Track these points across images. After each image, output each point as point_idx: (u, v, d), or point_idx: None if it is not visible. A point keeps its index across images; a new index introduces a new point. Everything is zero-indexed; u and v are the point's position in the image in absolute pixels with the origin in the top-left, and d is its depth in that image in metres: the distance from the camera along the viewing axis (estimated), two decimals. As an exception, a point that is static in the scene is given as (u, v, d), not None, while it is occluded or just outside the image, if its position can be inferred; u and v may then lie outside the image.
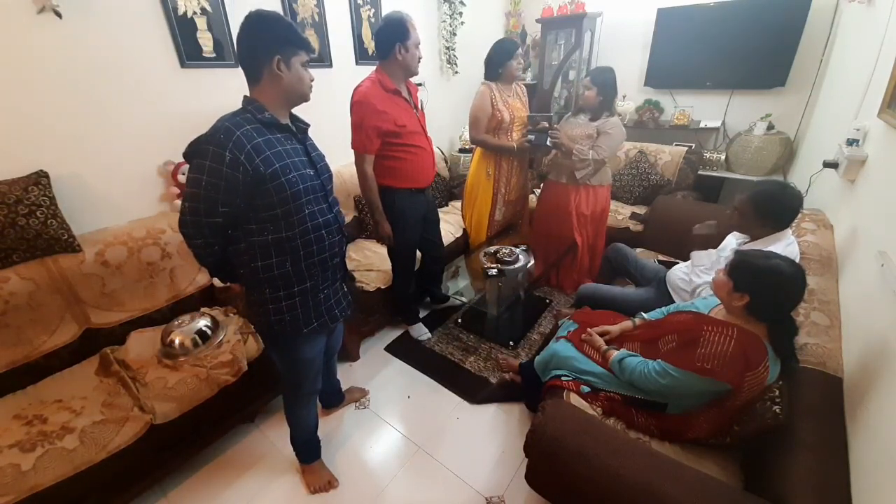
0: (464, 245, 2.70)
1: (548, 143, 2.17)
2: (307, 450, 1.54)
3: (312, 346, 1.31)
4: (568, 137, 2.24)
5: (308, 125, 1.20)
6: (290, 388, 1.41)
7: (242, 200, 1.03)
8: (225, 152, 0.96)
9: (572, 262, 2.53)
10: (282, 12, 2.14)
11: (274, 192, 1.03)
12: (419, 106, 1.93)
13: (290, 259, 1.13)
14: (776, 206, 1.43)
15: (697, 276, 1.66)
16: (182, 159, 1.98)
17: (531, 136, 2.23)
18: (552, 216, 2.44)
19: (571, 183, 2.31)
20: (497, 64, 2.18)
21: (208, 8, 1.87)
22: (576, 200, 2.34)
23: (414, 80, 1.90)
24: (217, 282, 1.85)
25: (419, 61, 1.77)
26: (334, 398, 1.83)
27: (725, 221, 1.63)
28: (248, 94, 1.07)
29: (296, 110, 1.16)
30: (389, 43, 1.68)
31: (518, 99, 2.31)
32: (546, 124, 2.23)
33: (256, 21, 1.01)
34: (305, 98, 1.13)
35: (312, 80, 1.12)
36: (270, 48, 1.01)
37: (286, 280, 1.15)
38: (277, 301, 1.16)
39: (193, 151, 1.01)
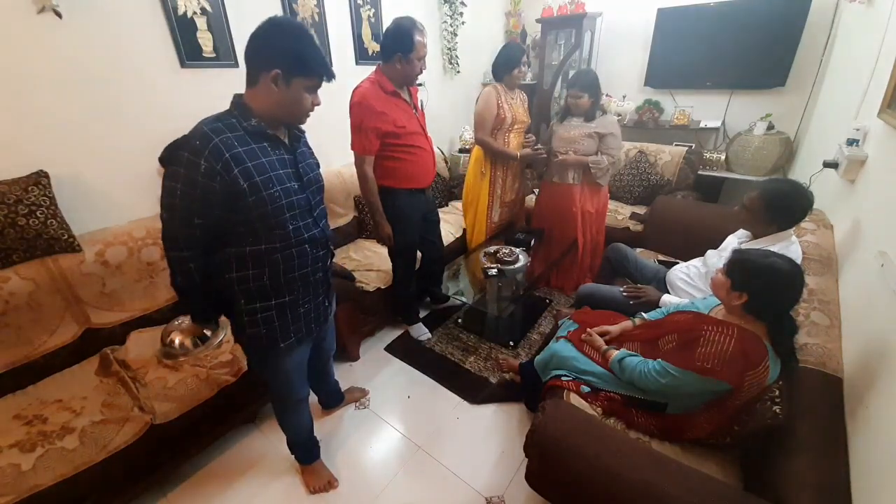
0: (463, 245, 2.70)
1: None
2: (305, 452, 1.54)
3: (293, 358, 1.26)
4: (566, 140, 2.25)
5: (303, 132, 1.14)
6: (278, 397, 1.38)
7: (221, 212, 0.97)
8: (200, 160, 0.90)
9: (572, 263, 2.54)
10: (281, 12, 2.14)
11: (253, 207, 0.97)
12: (419, 106, 1.93)
13: (268, 272, 1.07)
14: (788, 206, 1.43)
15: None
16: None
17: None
18: (555, 217, 2.44)
19: (577, 183, 2.33)
20: (504, 70, 2.21)
21: (208, 8, 1.87)
22: (581, 199, 2.35)
23: (414, 80, 1.90)
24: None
25: (420, 73, 1.75)
26: (334, 398, 1.82)
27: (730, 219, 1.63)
28: (240, 94, 1.01)
29: None
30: (391, 49, 1.67)
31: (521, 103, 2.33)
32: (534, 140, 2.31)
33: (274, 27, 0.94)
34: (298, 121, 1.05)
35: (317, 105, 1.04)
36: (273, 57, 0.94)
37: (263, 293, 1.09)
38: (253, 313, 1.11)
39: (169, 157, 0.95)
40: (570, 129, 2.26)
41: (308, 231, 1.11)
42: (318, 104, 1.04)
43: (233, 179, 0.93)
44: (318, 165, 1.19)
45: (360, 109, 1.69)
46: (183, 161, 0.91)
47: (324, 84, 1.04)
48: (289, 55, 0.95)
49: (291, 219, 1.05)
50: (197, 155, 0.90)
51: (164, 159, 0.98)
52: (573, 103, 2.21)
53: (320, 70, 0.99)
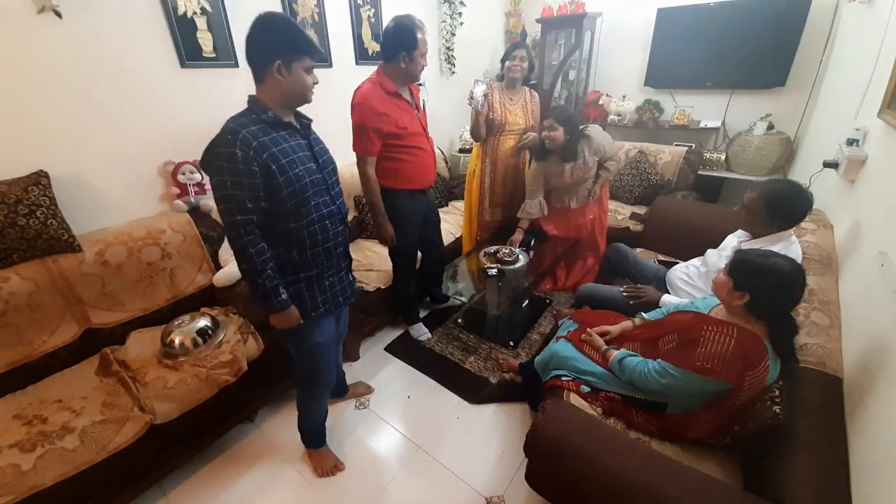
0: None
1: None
2: (315, 437, 1.59)
3: (322, 330, 1.34)
4: (570, 185, 2.26)
5: (311, 120, 1.25)
6: (307, 379, 1.45)
7: (265, 194, 1.08)
8: (235, 150, 1.02)
9: (584, 266, 2.55)
10: (281, 12, 2.14)
11: (284, 187, 1.09)
12: (421, 106, 1.92)
13: (296, 248, 1.19)
14: (788, 206, 1.43)
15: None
16: (182, 159, 1.98)
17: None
18: (570, 232, 2.43)
19: (594, 199, 2.35)
20: (501, 66, 2.25)
21: (208, 8, 1.87)
22: (598, 210, 2.41)
23: (415, 80, 1.90)
24: (218, 280, 1.84)
25: (423, 69, 1.75)
26: (338, 389, 1.82)
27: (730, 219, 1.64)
28: (253, 94, 1.12)
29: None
30: (394, 48, 1.67)
31: (521, 106, 2.31)
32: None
33: (261, 24, 1.06)
34: (306, 100, 1.17)
35: (316, 83, 1.16)
36: (271, 52, 1.06)
37: (292, 267, 1.20)
38: (284, 287, 1.19)
39: (209, 159, 1.07)
40: (574, 170, 2.19)
41: (327, 207, 1.22)
42: (317, 82, 1.17)
43: (265, 163, 1.06)
44: (328, 150, 1.30)
45: (361, 110, 1.68)
46: (222, 156, 1.03)
47: (324, 85, 1.08)
48: (283, 44, 1.07)
49: (314, 196, 1.17)
50: (231, 146, 1.02)
51: (203, 163, 1.11)
52: (547, 136, 2.09)
53: (310, 49, 1.11)
